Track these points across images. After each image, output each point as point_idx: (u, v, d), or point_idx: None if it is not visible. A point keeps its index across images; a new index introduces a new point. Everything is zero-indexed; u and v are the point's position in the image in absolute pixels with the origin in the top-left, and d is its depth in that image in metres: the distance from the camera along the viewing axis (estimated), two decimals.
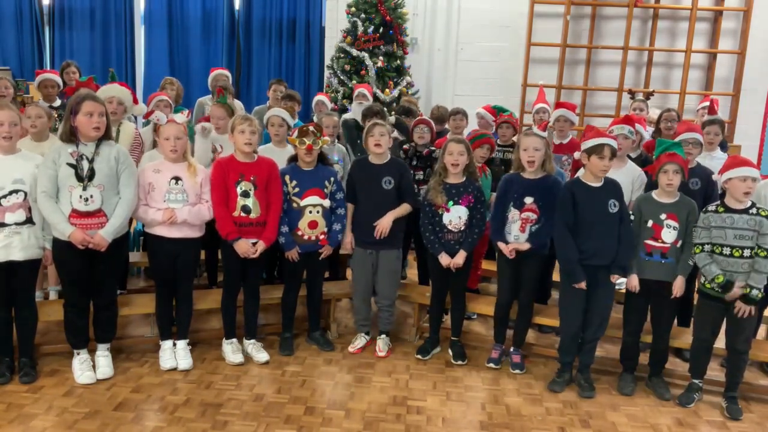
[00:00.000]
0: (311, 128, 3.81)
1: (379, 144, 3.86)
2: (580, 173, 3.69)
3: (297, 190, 3.82)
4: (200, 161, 3.87)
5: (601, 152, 3.47)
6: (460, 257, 3.78)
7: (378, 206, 3.90)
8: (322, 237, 3.90)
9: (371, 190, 3.92)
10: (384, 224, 3.86)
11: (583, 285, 3.50)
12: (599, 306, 3.59)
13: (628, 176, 3.92)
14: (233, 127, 3.70)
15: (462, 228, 3.79)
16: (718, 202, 3.42)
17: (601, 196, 3.51)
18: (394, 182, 3.91)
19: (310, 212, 3.84)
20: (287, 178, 3.82)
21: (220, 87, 5.01)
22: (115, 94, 4.31)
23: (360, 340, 4.08)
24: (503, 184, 3.79)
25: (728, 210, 3.35)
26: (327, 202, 3.87)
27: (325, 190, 3.87)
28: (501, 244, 3.73)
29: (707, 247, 3.39)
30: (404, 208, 3.93)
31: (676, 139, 3.93)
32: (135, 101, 4.80)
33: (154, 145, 4.38)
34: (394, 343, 4.14)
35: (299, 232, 3.85)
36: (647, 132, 5.20)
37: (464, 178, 3.81)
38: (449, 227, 3.79)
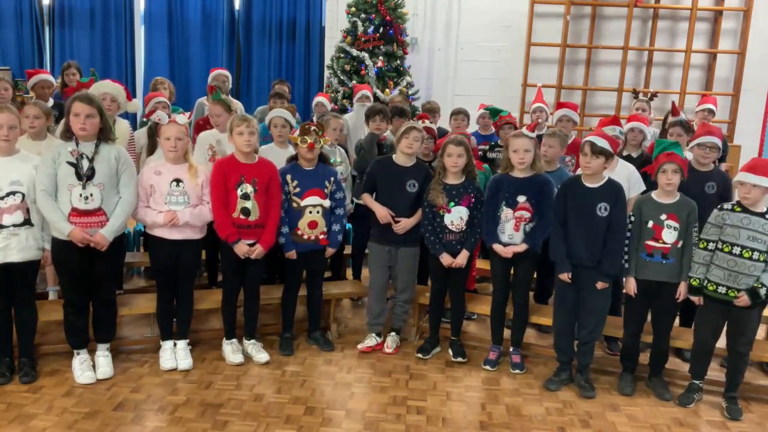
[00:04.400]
0: (313, 127, 3.81)
1: (411, 147, 3.87)
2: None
3: (298, 189, 3.82)
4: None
5: (582, 149, 3.50)
6: (463, 257, 3.79)
7: (399, 207, 3.90)
8: (322, 237, 3.90)
9: (394, 190, 3.92)
10: (406, 224, 3.88)
11: (565, 277, 3.54)
12: (590, 307, 3.59)
13: (621, 176, 3.86)
14: (231, 128, 3.69)
15: (463, 228, 3.80)
16: (735, 201, 3.41)
17: (591, 197, 3.50)
18: (417, 186, 3.91)
19: (310, 212, 3.84)
20: (288, 177, 3.82)
21: (212, 85, 5.02)
22: (107, 91, 4.30)
23: (370, 340, 4.07)
24: (492, 185, 3.78)
25: (745, 210, 3.33)
26: (327, 202, 3.87)
27: (326, 190, 3.88)
28: (498, 247, 3.72)
29: (711, 245, 3.38)
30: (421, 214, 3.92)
31: (694, 142, 3.93)
32: (129, 98, 4.81)
33: (154, 147, 4.39)
34: None
35: (299, 232, 3.85)
36: (650, 130, 5.18)
37: (464, 178, 3.82)
38: (450, 228, 3.79)
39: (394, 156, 4.00)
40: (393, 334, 4.10)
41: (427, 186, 3.90)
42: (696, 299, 3.44)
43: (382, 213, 3.90)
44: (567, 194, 3.58)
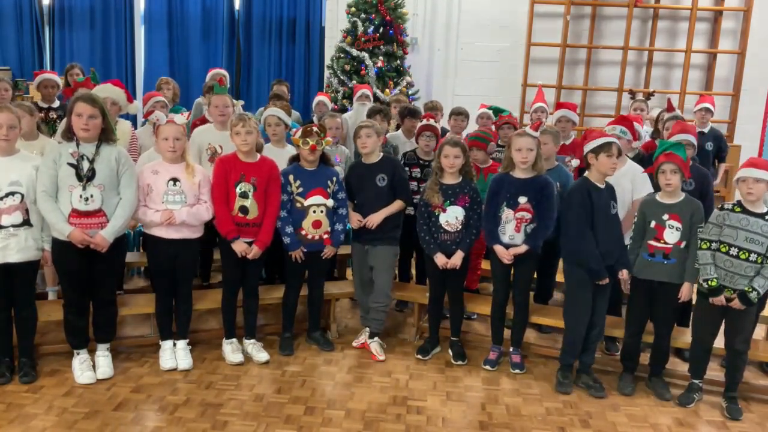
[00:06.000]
0: (314, 129, 3.82)
1: (365, 146, 3.96)
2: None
3: (301, 190, 3.83)
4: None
5: (609, 150, 3.49)
6: (458, 258, 3.78)
7: (373, 203, 3.97)
8: (326, 236, 3.90)
9: (366, 188, 3.99)
10: (374, 219, 3.92)
11: (607, 281, 3.54)
12: (603, 306, 3.61)
13: (627, 176, 3.89)
14: (231, 128, 3.71)
15: (459, 228, 3.79)
16: (735, 201, 3.39)
17: (606, 198, 3.54)
18: (387, 179, 3.97)
19: (314, 212, 3.84)
20: (291, 178, 3.83)
21: (210, 85, 5.02)
22: (107, 94, 4.30)
23: (364, 336, 4.10)
24: (494, 184, 3.78)
25: (745, 211, 3.32)
26: (330, 202, 3.88)
27: (328, 189, 3.88)
28: (499, 249, 3.71)
29: (714, 245, 3.37)
30: (397, 205, 4.00)
31: (670, 140, 3.92)
32: (129, 100, 4.81)
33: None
34: (393, 344, 4.15)
35: (303, 232, 3.85)
36: (644, 130, 5.19)
37: (460, 179, 3.82)
38: (446, 227, 3.79)
39: (362, 157, 4.08)
40: (376, 339, 4.03)
41: (396, 178, 3.98)
42: (720, 299, 3.33)
43: (353, 217, 3.99)
44: (592, 198, 3.51)
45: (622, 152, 3.60)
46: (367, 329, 4.12)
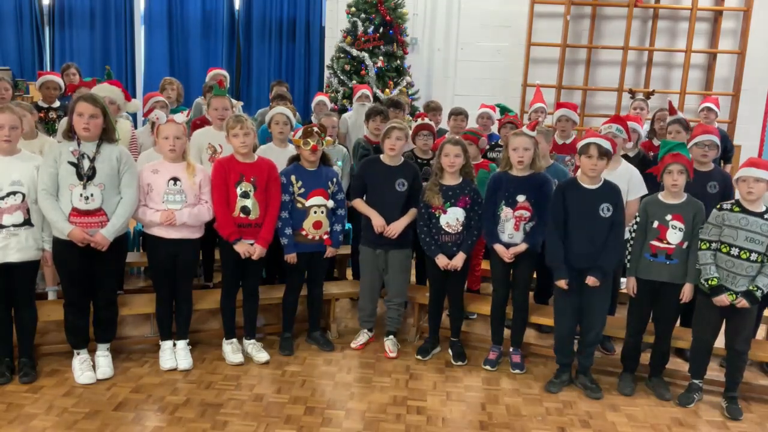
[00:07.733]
0: (315, 129, 3.82)
1: (393, 148, 3.88)
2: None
3: (302, 190, 3.82)
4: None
5: (587, 151, 3.45)
6: (459, 259, 3.77)
7: (390, 207, 3.90)
8: (326, 237, 3.90)
9: (384, 191, 3.92)
10: (396, 228, 3.87)
11: (562, 284, 3.51)
12: (595, 309, 3.58)
13: (623, 177, 3.82)
14: (227, 130, 3.71)
15: (459, 230, 3.79)
16: (734, 200, 3.39)
17: (593, 198, 3.49)
18: (407, 184, 3.91)
19: (315, 212, 3.84)
20: (293, 178, 3.82)
21: (210, 85, 5.00)
22: (105, 94, 4.31)
23: (362, 337, 4.09)
24: (492, 183, 3.77)
25: (744, 211, 3.32)
26: (331, 203, 3.88)
27: (329, 190, 3.88)
28: (499, 248, 3.71)
29: (714, 245, 3.37)
30: (413, 213, 3.93)
31: (692, 142, 3.92)
32: (128, 98, 4.82)
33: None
34: None
35: (303, 232, 3.84)
36: (644, 130, 5.18)
37: (461, 179, 3.81)
38: (446, 229, 3.78)
39: (381, 156, 4.00)
40: (391, 337, 4.07)
41: (416, 184, 3.92)
42: (722, 298, 3.32)
43: (378, 222, 3.88)
44: (566, 196, 3.53)
45: (615, 152, 3.56)
46: (365, 331, 4.11)
